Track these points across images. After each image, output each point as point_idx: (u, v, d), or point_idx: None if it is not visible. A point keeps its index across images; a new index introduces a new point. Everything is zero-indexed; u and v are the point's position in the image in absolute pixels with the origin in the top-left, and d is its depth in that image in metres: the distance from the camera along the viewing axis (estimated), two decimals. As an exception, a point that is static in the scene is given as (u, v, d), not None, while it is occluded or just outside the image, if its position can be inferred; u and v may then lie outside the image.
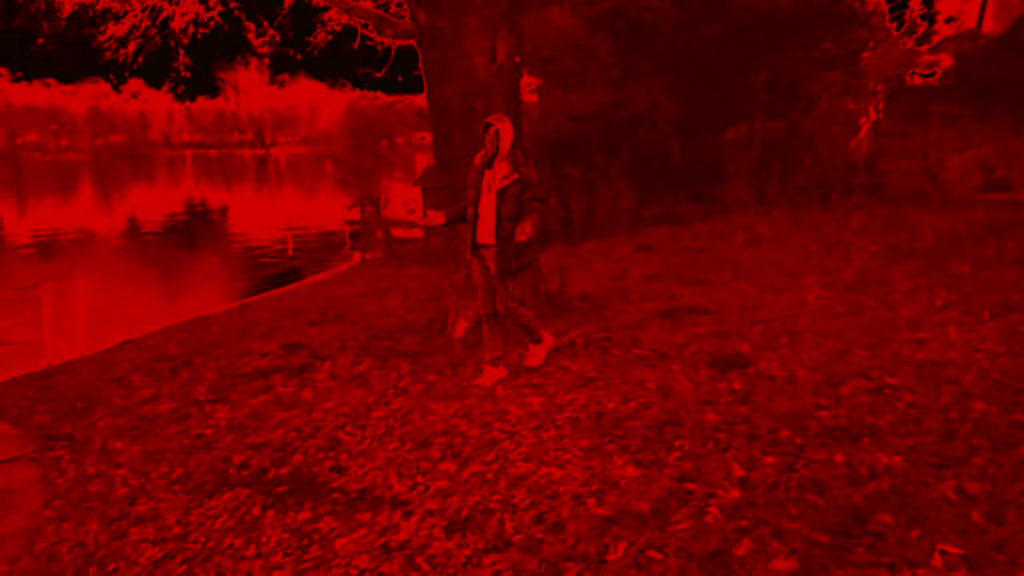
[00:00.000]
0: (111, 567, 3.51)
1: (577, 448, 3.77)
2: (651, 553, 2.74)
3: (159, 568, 3.40)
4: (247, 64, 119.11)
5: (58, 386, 6.64)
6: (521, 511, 3.23)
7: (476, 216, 4.89)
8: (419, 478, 3.85)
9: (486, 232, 4.86)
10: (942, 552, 2.55)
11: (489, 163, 4.84)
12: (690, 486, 3.20)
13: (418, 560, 3.04)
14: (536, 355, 5.33)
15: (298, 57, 9.80)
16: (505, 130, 4.78)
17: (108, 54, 9.20)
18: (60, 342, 8.37)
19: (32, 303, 9.84)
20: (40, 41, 8.22)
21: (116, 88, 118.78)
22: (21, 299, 13.11)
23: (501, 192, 4.76)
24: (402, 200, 24.93)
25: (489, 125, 4.80)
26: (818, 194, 15.43)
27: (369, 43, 10.75)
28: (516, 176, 4.76)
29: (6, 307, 13.96)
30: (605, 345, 5.54)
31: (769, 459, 3.38)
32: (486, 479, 3.66)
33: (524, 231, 4.67)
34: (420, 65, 6.91)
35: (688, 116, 16.76)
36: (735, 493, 3.09)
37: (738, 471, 3.29)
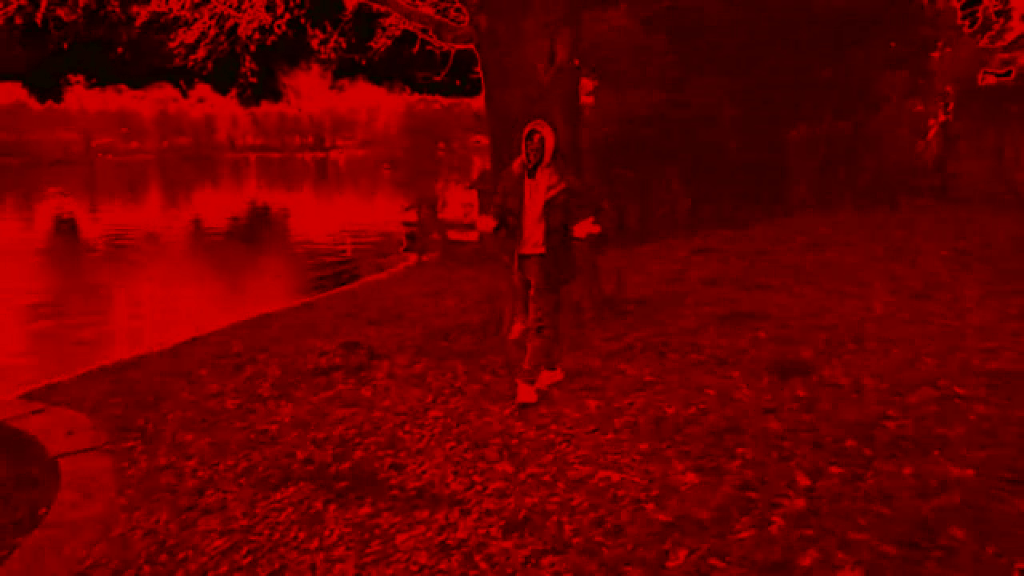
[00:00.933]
0: (180, 556, 3.64)
1: (636, 452, 3.75)
2: (713, 561, 2.71)
3: (226, 558, 3.52)
4: (309, 69, 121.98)
5: (130, 380, 6.90)
6: (580, 514, 3.23)
7: (520, 226, 4.70)
8: (476, 477, 3.89)
9: (532, 243, 4.69)
10: (1022, 572, 2.46)
11: (532, 172, 4.63)
12: (753, 495, 3.15)
13: (476, 559, 3.08)
14: (544, 379, 4.99)
15: (363, 63, 9.98)
16: (549, 137, 4.57)
17: (178, 60, 9.54)
18: (131, 338, 8.72)
19: (105, 300, 10.27)
20: (120, 50, 8.58)
21: (184, 93, 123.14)
22: (95, 296, 13.69)
23: (549, 203, 4.59)
24: (459, 202, 25.12)
25: (534, 132, 4.58)
26: (884, 197, 14.97)
27: (428, 47, 10.90)
28: (564, 185, 4.58)
29: (81, 303, 14.60)
30: (663, 350, 5.49)
31: (835, 469, 3.31)
32: (543, 481, 3.67)
33: (586, 228, 4.58)
34: (479, 68, 6.97)
35: (747, 116, 16.45)
36: (800, 502, 3.03)
37: (803, 480, 3.23)
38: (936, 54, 16.94)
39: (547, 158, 4.57)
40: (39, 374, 8.47)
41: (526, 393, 4.79)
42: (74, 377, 7.29)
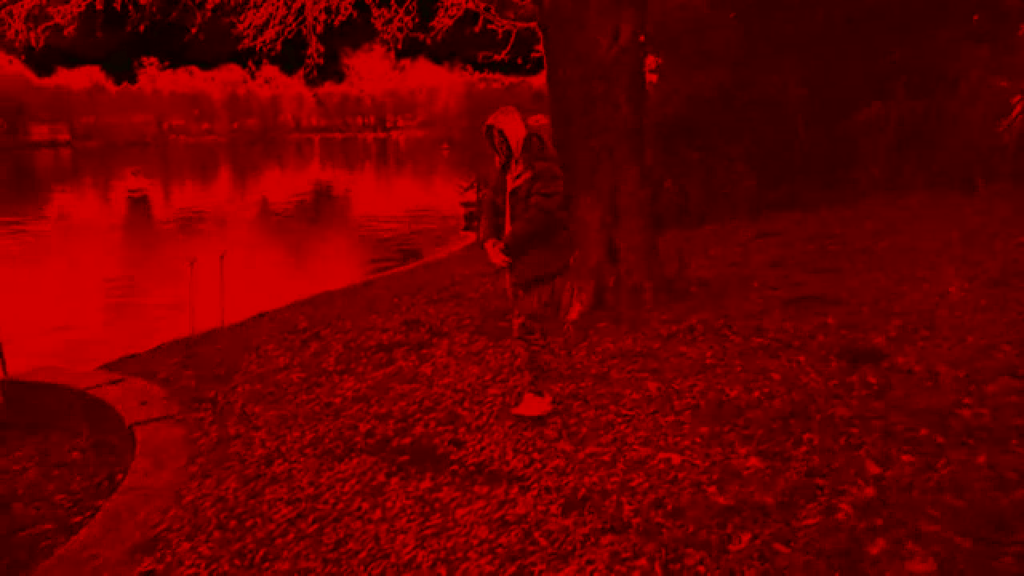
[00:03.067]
0: (249, 523, 3.77)
1: (697, 435, 3.70)
2: (777, 546, 2.66)
3: (293, 526, 3.63)
4: (371, 50, 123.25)
5: (201, 353, 7.16)
6: (640, 495, 3.22)
7: (502, 223, 4.35)
8: (535, 455, 3.91)
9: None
10: (1107, 569, 2.34)
11: (508, 165, 4.25)
12: (819, 481, 3.08)
13: (536, 535, 3.10)
14: (529, 404, 4.44)
15: (428, 42, 10.00)
16: (510, 128, 4.13)
17: (247, 41, 9.74)
18: (203, 312, 9.04)
19: (178, 276, 10.67)
20: (194, 31, 8.81)
21: (252, 75, 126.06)
22: (168, 271, 14.21)
23: (514, 193, 4.17)
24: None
25: (491, 128, 4.16)
26: (960, 180, 14.28)
27: (490, 26, 10.85)
28: (529, 173, 4.11)
29: (155, 280, 15.19)
30: (725, 332, 5.39)
31: (906, 457, 3.20)
32: (603, 460, 3.66)
33: (496, 253, 4.13)
34: (541, 47, 6.91)
35: (816, 96, 15.90)
36: (869, 491, 2.95)
37: (872, 468, 3.14)
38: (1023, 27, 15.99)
39: (516, 150, 4.15)
40: (116, 346, 8.88)
41: (532, 404, 4.40)
42: (148, 350, 7.60)
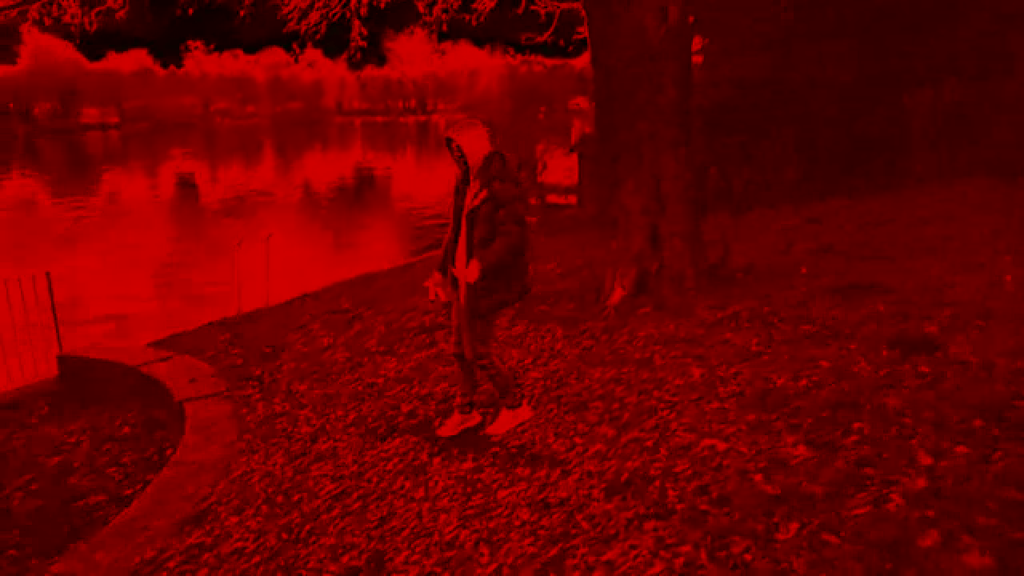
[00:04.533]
0: (295, 498, 3.85)
1: (742, 423, 3.65)
2: (825, 536, 2.61)
3: (338, 502, 3.70)
4: (412, 33, 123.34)
5: (248, 332, 7.31)
6: (683, 481, 3.19)
7: (454, 242, 4.07)
8: (577, 439, 3.90)
9: (461, 261, 4.00)
10: None
11: (464, 181, 4.00)
12: (869, 471, 3.01)
13: (578, 518, 3.10)
14: (503, 421, 4.25)
15: (474, 23, 9.96)
16: (471, 141, 3.90)
17: (292, 24, 9.83)
18: (249, 292, 9.22)
19: (225, 256, 10.88)
20: (242, 14, 8.92)
21: (295, 58, 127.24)
22: (215, 251, 14.51)
23: (471, 214, 3.89)
24: (559, 166, 24.97)
25: (450, 141, 3.93)
26: (1015, 167, 13.77)
27: (532, 7, 10.76)
28: (485, 193, 3.85)
29: (203, 259, 15.52)
30: (772, 320, 5.30)
31: (960, 449, 3.11)
32: (645, 446, 3.64)
33: (472, 270, 3.78)
34: (585, 28, 6.85)
35: (863, 80, 15.46)
36: (921, 482, 2.88)
37: (924, 459, 3.06)
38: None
39: (473, 166, 3.93)
40: (165, 324, 9.10)
41: (504, 420, 4.23)
42: (197, 328, 7.77)
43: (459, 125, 3.99)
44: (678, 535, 2.78)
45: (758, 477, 3.11)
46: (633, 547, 2.79)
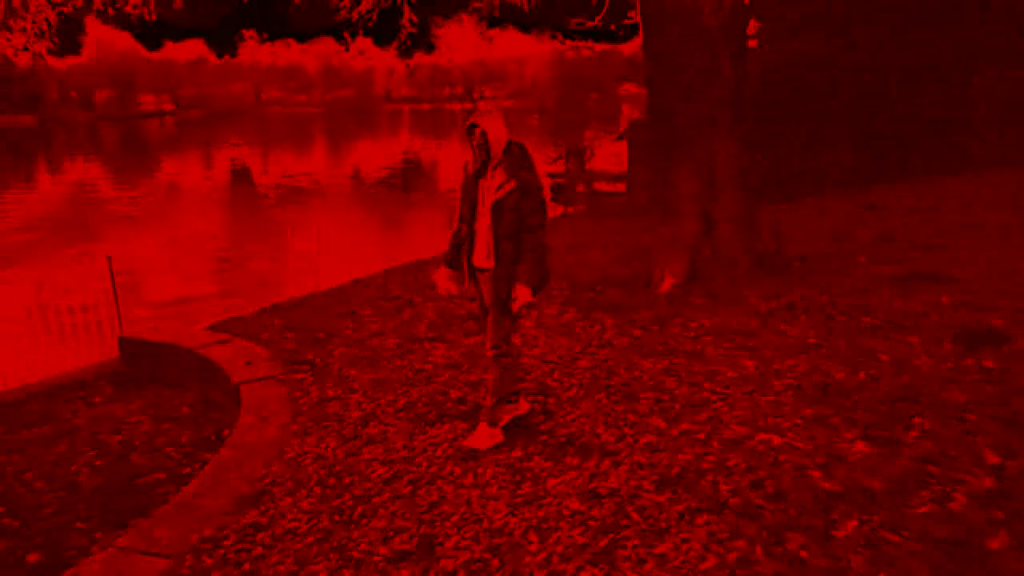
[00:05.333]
0: (347, 480, 3.90)
1: (798, 417, 3.57)
2: (885, 534, 2.54)
3: (388, 486, 3.74)
4: (461, 21, 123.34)
5: (301, 317, 7.43)
6: (737, 475, 3.13)
7: (472, 234, 3.96)
8: (627, 430, 3.87)
9: (482, 254, 3.90)
10: None
11: (483, 171, 3.89)
12: (932, 468, 2.91)
13: (628, 509, 3.07)
14: (483, 436, 4.04)
15: (525, 8, 9.89)
16: (495, 128, 3.80)
17: (344, 12, 9.89)
18: (301, 277, 9.39)
19: (278, 242, 11.10)
20: (296, 2, 9.03)
21: (346, 47, 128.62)
22: (270, 237, 14.80)
23: (496, 205, 3.79)
24: (610, 153, 24.75)
25: (473, 127, 3.83)
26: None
27: (584, -9, 10.63)
28: (513, 184, 3.76)
29: (257, 245, 15.86)
30: (829, 311, 5.16)
31: (1031, 449, 2.99)
32: (697, 438, 3.59)
33: (524, 294, 3.70)
34: (636, 12, 6.72)
35: (923, 62, 14.89)
36: (987, 481, 2.77)
37: (991, 458, 2.95)
38: None
39: (495, 154, 3.82)
40: (221, 308, 9.32)
41: (482, 436, 4.04)
42: (252, 312, 7.93)
43: (482, 111, 3.89)
44: (732, 530, 2.74)
45: (815, 473, 3.04)
46: (685, 541, 2.75)
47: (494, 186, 3.82)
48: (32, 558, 4.10)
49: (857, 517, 2.67)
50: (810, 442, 3.30)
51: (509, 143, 3.84)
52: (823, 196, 12.65)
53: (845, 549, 2.52)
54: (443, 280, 4.12)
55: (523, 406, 4.30)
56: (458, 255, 4.04)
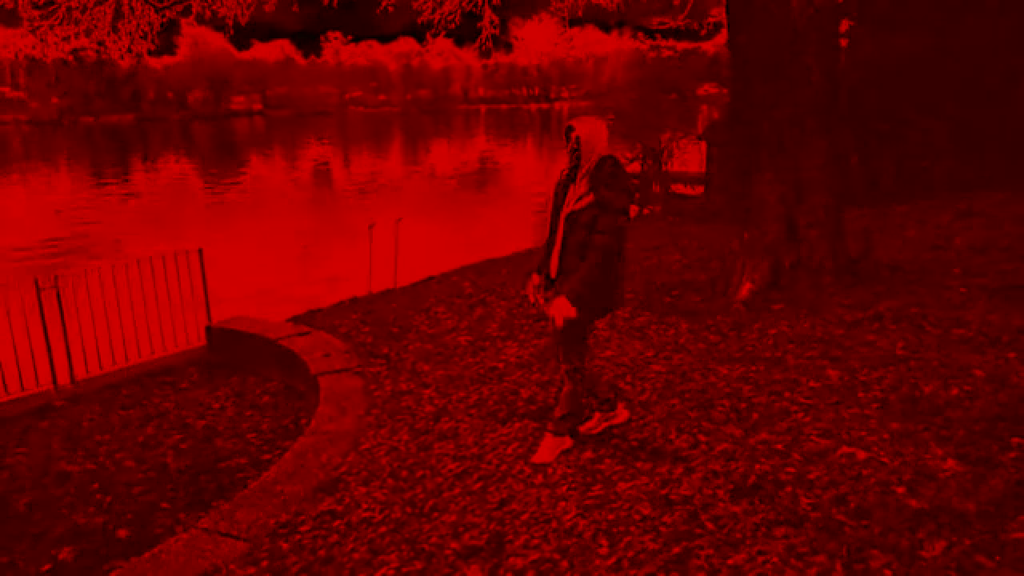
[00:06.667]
0: (419, 474, 3.96)
1: (885, 431, 3.42)
2: (979, 558, 2.41)
3: (459, 481, 3.77)
4: (540, 20, 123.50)
5: (377, 311, 7.60)
6: (818, 488, 3.02)
7: (551, 243, 3.78)
8: (701, 437, 3.79)
9: (556, 265, 3.74)
10: None
11: (572, 176, 3.70)
12: (1031, 492, 2.75)
13: (703, 518, 3.01)
14: (549, 447, 3.89)
15: (610, 7, 9.82)
16: (590, 135, 3.61)
17: (427, 14, 10.03)
18: (379, 273, 9.59)
19: (358, 239, 11.38)
20: (384, 3, 9.23)
21: (427, 47, 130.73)
22: (350, 235, 15.19)
23: (570, 217, 3.62)
24: (688, 155, 24.30)
25: (570, 129, 3.65)
26: None
27: (667, -10, 10.47)
28: (591, 198, 3.55)
29: (338, 240, 16.30)
30: (920, 323, 4.92)
31: None
32: (776, 449, 3.48)
33: (562, 306, 3.49)
34: (722, 9, 6.57)
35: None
36: (1095, 509, 2.59)
37: (1099, 484, 2.75)
38: None
39: (585, 161, 3.63)
40: (304, 300, 9.62)
41: (547, 449, 3.90)
42: (330, 306, 8.16)
43: (584, 118, 3.73)
44: (811, 544, 2.64)
45: (901, 490, 2.91)
46: (762, 553, 2.67)
47: (576, 196, 3.66)
48: (122, 533, 4.32)
49: (947, 538, 2.54)
50: (897, 458, 3.15)
51: (605, 157, 3.63)
52: (920, 202, 12.06)
53: (933, 571, 2.40)
54: (532, 288, 3.98)
55: (622, 415, 4.15)
56: (543, 263, 3.90)
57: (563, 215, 3.68)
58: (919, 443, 3.26)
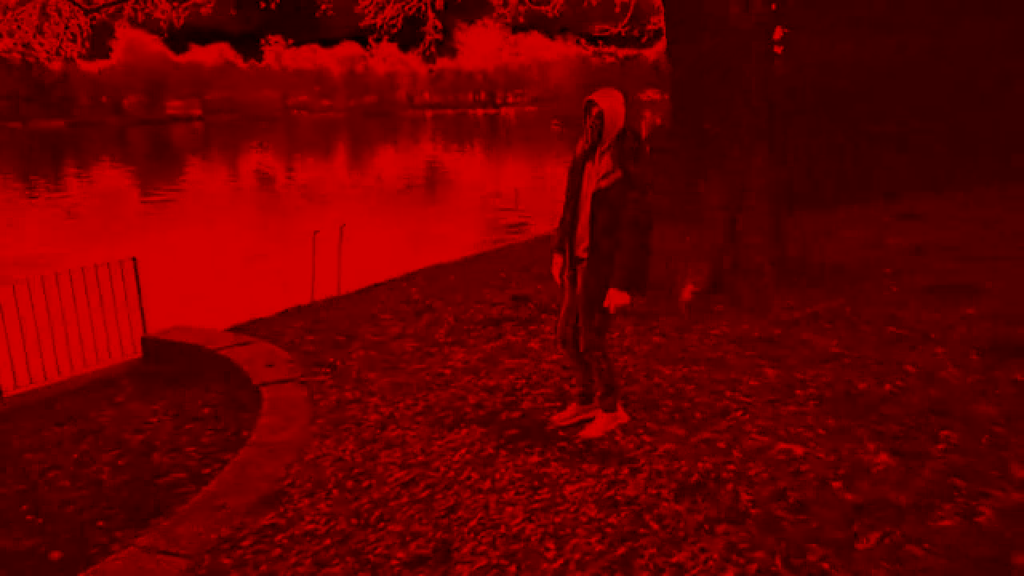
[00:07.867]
0: (365, 483, 3.91)
1: (821, 427, 3.52)
2: (910, 548, 2.49)
3: (406, 490, 3.73)
4: (485, 25, 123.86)
5: (322, 319, 7.47)
6: (758, 485, 3.09)
7: (574, 222, 3.75)
8: (646, 438, 3.84)
9: (582, 244, 3.73)
10: None
11: (591, 153, 3.67)
12: (958, 482, 2.86)
13: (647, 518, 3.04)
14: (601, 424, 4.00)
15: (550, 14, 9.90)
16: (611, 110, 3.56)
17: (369, 18, 9.98)
18: (323, 280, 9.45)
19: (301, 246, 11.19)
20: (323, 7, 9.12)
21: (370, 52, 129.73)
22: (292, 241, 14.91)
23: (598, 195, 3.58)
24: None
25: (592, 104, 3.59)
26: None
27: (608, -3, 10.62)
28: (619, 174, 3.53)
29: (280, 248, 15.99)
30: (855, 320, 5.09)
31: (1062, 464, 2.92)
32: (718, 447, 3.55)
33: (617, 298, 3.56)
34: (660, 18, 6.70)
35: (960, 66, 14.58)
36: (1016, 496, 2.71)
37: (1019, 472, 2.88)
38: None
39: (607, 138, 3.59)
40: (244, 310, 9.39)
41: (600, 424, 3.99)
42: (274, 314, 7.99)
43: (603, 90, 3.63)
44: (752, 541, 2.70)
45: (838, 484, 2.99)
46: (704, 550, 2.72)
47: (599, 174, 3.58)
48: (55, 555, 4.14)
49: (881, 530, 2.63)
50: (833, 453, 3.25)
51: (624, 130, 3.59)
52: (859, 205, 12.45)
53: (868, 563, 2.47)
54: (557, 268, 3.97)
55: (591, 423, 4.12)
56: (562, 242, 3.88)
57: (587, 193, 3.62)
58: (854, 438, 3.36)
